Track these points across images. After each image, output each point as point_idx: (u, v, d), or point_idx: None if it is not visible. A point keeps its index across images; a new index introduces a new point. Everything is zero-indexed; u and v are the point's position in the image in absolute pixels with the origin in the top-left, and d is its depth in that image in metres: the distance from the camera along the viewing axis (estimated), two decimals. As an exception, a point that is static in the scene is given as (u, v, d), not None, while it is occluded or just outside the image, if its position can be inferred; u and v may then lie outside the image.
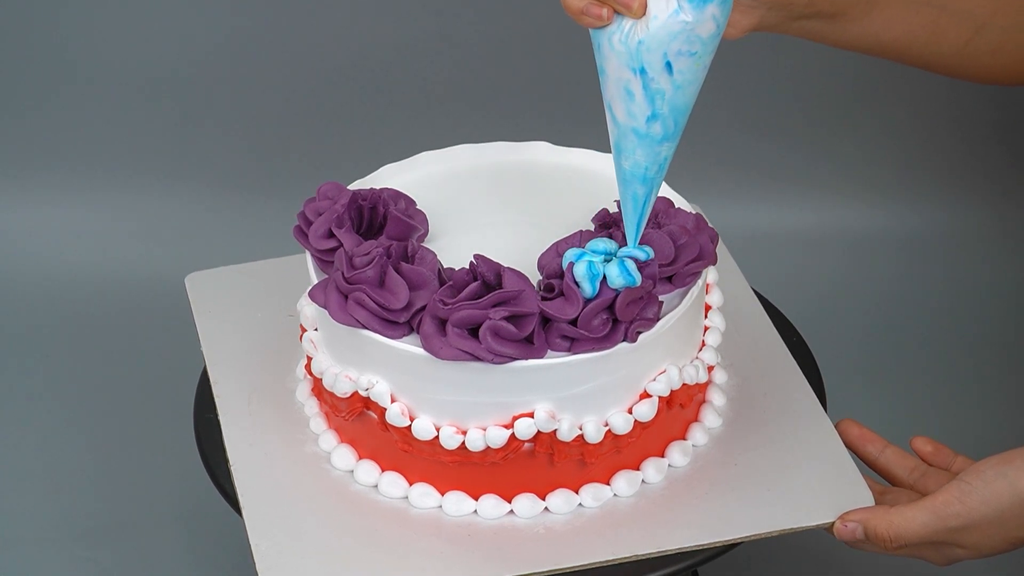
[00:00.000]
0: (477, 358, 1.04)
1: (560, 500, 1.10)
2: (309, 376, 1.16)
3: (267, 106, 1.71)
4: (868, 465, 1.18)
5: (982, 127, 1.73)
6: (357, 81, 1.71)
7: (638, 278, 1.05)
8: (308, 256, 1.13)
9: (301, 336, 1.15)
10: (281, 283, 1.26)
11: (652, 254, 1.07)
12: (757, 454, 1.14)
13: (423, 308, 1.06)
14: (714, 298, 1.17)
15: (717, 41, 1.02)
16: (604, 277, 1.05)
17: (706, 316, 1.15)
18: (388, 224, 1.13)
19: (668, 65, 1.01)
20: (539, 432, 1.06)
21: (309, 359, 1.13)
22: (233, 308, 1.25)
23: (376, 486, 1.11)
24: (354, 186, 1.17)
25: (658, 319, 1.07)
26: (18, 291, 1.66)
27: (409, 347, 1.06)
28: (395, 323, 1.07)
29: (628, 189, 1.07)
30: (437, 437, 1.07)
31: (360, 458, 1.13)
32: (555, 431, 1.06)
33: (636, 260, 1.06)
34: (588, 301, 1.05)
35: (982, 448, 1.19)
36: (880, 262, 1.70)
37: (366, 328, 1.06)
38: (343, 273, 1.08)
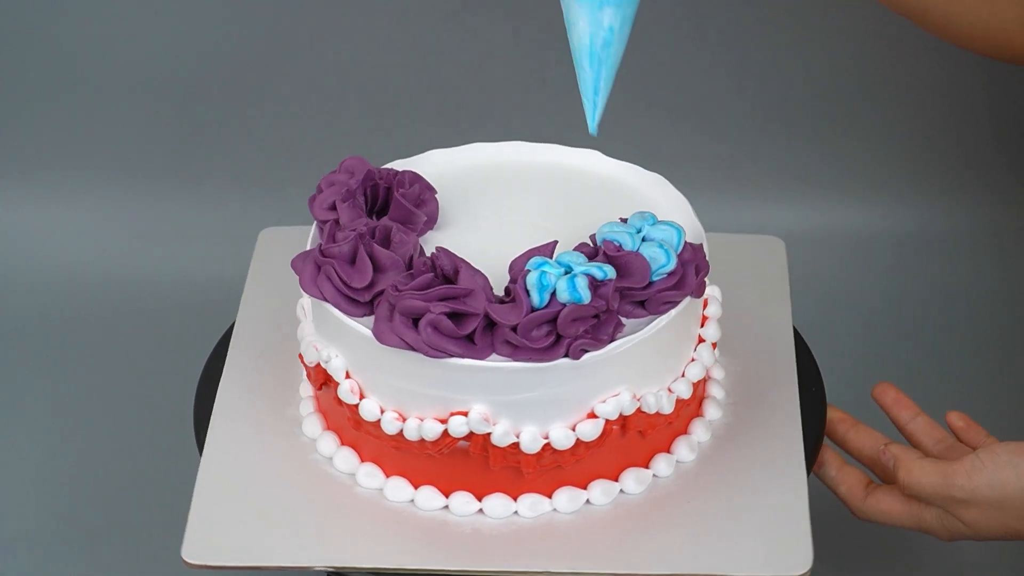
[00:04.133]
0: (415, 349, 1.04)
1: (495, 504, 1.09)
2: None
3: (267, 107, 1.70)
4: (898, 430, 1.21)
5: (981, 128, 1.72)
6: (364, 81, 1.70)
7: (586, 296, 1.03)
8: (314, 225, 1.15)
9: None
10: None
11: (611, 274, 1.05)
12: (714, 494, 1.10)
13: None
14: (709, 331, 1.14)
15: None
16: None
17: (696, 347, 1.13)
18: (392, 207, 1.14)
19: None
20: (472, 432, 1.06)
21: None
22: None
23: (332, 459, 1.13)
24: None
25: (612, 340, 1.05)
26: (17, 291, 1.65)
27: (360, 327, 1.07)
28: (357, 302, 1.08)
29: (581, 71, 1.08)
30: (380, 420, 1.08)
31: (325, 429, 1.15)
32: (489, 434, 1.06)
33: (592, 278, 1.04)
34: (534, 310, 1.04)
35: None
36: (879, 262, 1.70)
37: (329, 302, 1.08)
38: (321, 245, 1.10)
